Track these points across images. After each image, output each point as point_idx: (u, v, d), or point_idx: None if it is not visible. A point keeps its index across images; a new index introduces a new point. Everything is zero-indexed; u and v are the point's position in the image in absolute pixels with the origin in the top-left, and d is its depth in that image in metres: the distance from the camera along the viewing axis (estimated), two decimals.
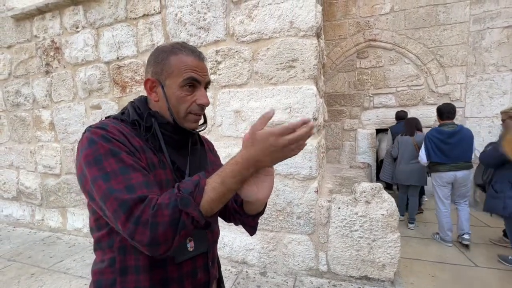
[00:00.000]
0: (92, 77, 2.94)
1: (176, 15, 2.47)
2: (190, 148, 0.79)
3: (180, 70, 0.68)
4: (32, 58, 3.27)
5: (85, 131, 0.64)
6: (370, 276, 2.19)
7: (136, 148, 0.64)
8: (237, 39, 2.30)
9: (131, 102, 0.77)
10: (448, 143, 2.85)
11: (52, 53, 3.14)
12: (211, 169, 0.83)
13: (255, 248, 2.44)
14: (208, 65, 2.41)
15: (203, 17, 2.37)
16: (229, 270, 2.45)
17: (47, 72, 3.21)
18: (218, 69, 2.40)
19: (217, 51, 2.37)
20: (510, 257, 2.56)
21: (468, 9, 3.98)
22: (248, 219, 0.84)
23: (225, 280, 2.32)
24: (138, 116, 0.71)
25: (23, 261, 2.74)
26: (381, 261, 2.15)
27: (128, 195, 0.54)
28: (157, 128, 0.71)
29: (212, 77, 2.42)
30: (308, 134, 0.55)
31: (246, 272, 2.43)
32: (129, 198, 0.54)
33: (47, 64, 3.18)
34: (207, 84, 0.75)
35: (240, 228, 2.48)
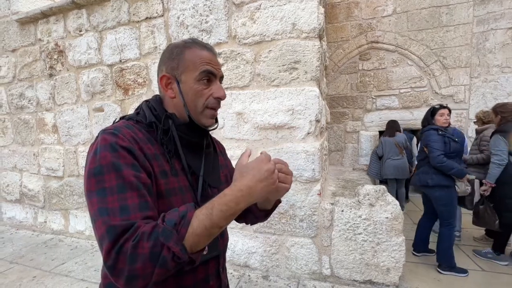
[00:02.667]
0: (95, 80, 2.96)
1: (178, 18, 2.47)
2: (205, 150, 0.78)
3: (196, 63, 0.68)
4: (36, 61, 3.29)
5: (98, 134, 0.62)
6: (374, 281, 2.16)
7: (147, 157, 0.62)
8: (239, 41, 2.30)
9: (146, 101, 0.75)
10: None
11: (55, 56, 3.16)
12: (222, 173, 0.85)
13: (257, 251, 2.41)
14: None
15: (205, 19, 2.38)
16: (231, 273, 2.43)
17: (50, 75, 3.23)
18: None
19: (219, 53, 2.37)
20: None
21: (471, 10, 3.96)
22: (261, 214, 0.85)
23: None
24: (155, 118, 0.70)
25: (25, 264, 2.74)
26: (385, 265, 2.11)
27: (117, 219, 0.51)
28: (175, 131, 0.69)
29: None
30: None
31: (249, 275, 2.40)
32: (118, 224, 0.51)
33: (51, 67, 3.21)
34: (221, 78, 0.74)
35: (243, 231, 2.47)
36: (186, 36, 2.47)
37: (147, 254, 0.49)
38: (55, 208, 3.49)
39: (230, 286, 2.32)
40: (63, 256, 2.87)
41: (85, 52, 2.97)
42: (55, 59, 3.17)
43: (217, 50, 2.37)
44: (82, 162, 3.17)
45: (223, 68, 2.38)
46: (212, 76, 0.70)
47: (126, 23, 2.74)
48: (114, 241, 0.50)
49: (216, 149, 0.86)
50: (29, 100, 3.43)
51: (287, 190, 0.64)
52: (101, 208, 0.53)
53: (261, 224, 2.37)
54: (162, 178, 0.64)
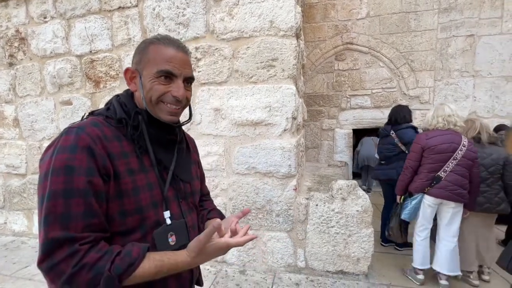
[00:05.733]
0: (62, 71, 2.77)
1: (154, 9, 2.39)
2: (177, 146, 0.79)
3: (156, 60, 0.67)
4: None
5: (62, 131, 0.62)
6: (346, 270, 2.27)
7: (111, 156, 0.62)
8: (217, 36, 2.28)
9: (117, 96, 0.74)
10: None
11: (16, 44, 2.91)
12: (193, 169, 0.87)
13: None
14: None
15: (182, 12, 2.32)
16: (208, 269, 2.43)
17: (10, 64, 2.97)
18: (198, 66, 2.36)
19: (196, 48, 2.34)
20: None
21: (436, 18, 4.25)
22: (202, 229, 0.92)
23: (203, 279, 2.30)
24: (125, 114, 0.69)
25: None
26: (356, 256, 2.23)
27: (56, 230, 0.53)
28: (145, 128, 0.69)
29: None
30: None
31: (226, 271, 2.42)
32: (54, 238, 0.53)
33: (11, 56, 2.95)
34: (188, 79, 0.72)
35: None
36: (162, 29, 2.40)
37: (84, 285, 0.53)
38: (16, 208, 3.23)
39: (206, 282, 2.33)
40: (26, 259, 2.69)
41: (51, 40, 2.77)
42: (15, 46, 2.92)
43: (195, 44, 2.34)
44: None
45: (200, 63, 2.35)
46: (172, 75, 0.68)
47: (97, 12, 2.60)
48: (47, 255, 0.53)
49: (189, 146, 0.87)
50: None
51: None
52: (46, 216, 0.54)
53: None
54: (129, 176, 0.64)
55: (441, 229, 2.22)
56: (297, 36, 2.25)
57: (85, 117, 0.70)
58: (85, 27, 2.64)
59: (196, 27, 2.33)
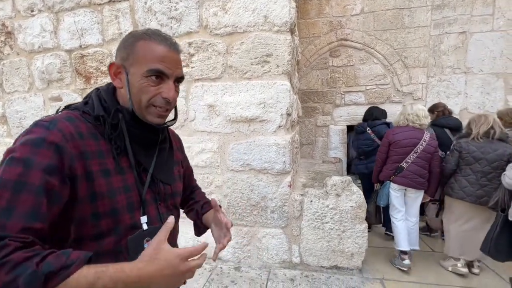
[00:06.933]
0: (51, 66, 2.70)
1: (145, 3, 2.34)
2: (158, 146, 0.74)
3: (146, 58, 0.63)
4: None
5: (32, 123, 0.57)
6: (340, 266, 2.30)
7: (83, 156, 0.57)
8: (211, 31, 2.25)
9: (96, 90, 0.70)
10: None
11: (3, 38, 2.82)
12: (176, 169, 0.83)
13: (230, 243, 2.43)
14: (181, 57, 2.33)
15: (175, 6, 2.28)
16: (203, 266, 2.42)
17: None
18: (191, 62, 2.32)
19: (190, 43, 2.30)
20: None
21: (429, 14, 4.27)
22: (201, 225, 0.93)
23: (198, 277, 2.29)
24: (103, 111, 0.64)
25: None
26: (350, 251, 2.26)
27: None
28: (124, 128, 0.65)
29: (184, 69, 2.33)
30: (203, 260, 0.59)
31: (221, 268, 2.41)
32: None
33: None
34: (179, 79, 0.69)
35: None
36: (154, 23, 2.35)
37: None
38: None
39: (201, 279, 2.32)
40: None
41: (39, 35, 2.69)
42: (1, 41, 2.83)
43: (188, 39, 2.30)
44: None
45: (193, 59, 2.31)
46: (163, 75, 0.65)
47: (86, 5, 2.52)
48: None
49: (172, 145, 0.83)
50: None
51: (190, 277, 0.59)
52: None
53: (233, 216, 2.39)
54: (104, 177, 0.60)
55: (406, 211, 2.57)
56: (292, 32, 2.23)
57: (60, 110, 0.65)
58: (75, 21, 2.57)
59: (189, 21, 2.28)
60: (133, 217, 0.64)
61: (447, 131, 2.93)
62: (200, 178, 2.41)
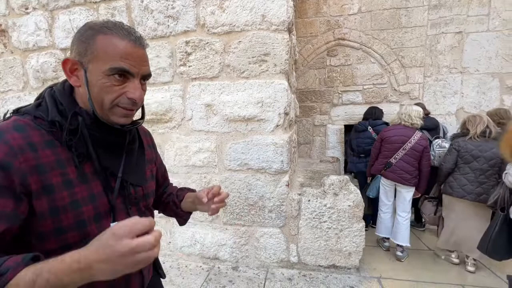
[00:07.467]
0: (46, 65, 2.66)
1: (142, 1, 2.32)
2: (126, 147, 0.68)
3: (108, 55, 0.56)
4: None
5: None
6: (338, 265, 2.30)
7: (38, 169, 0.51)
8: (208, 30, 2.23)
9: (50, 89, 0.62)
10: None
11: None
12: (148, 169, 0.79)
13: (227, 243, 2.42)
14: (178, 56, 2.31)
15: (172, 5, 2.26)
16: (200, 266, 2.41)
17: None
18: (188, 61, 2.31)
19: (187, 42, 2.28)
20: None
21: (426, 14, 4.29)
22: (182, 213, 0.90)
23: (196, 277, 2.28)
24: (59, 115, 0.57)
25: None
26: (347, 250, 2.26)
27: None
28: (86, 132, 0.59)
29: (182, 68, 2.32)
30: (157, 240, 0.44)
31: (218, 267, 2.41)
32: None
33: None
34: (146, 77, 0.63)
35: (212, 224, 2.45)
36: (150, 22, 2.33)
37: None
38: None
39: (199, 279, 2.31)
40: None
41: (33, 33, 2.65)
42: None
43: (185, 38, 2.28)
44: None
45: (191, 57, 2.30)
46: (128, 74, 0.58)
47: (82, 3, 2.50)
48: None
49: (143, 144, 0.78)
50: None
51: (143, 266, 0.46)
52: None
53: (231, 216, 2.38)
54: (66, 189, 0.55)
55: (396, 206, 2.68)
56: (289, 31, 2.22)
57: (7, 116, 0.57)
58: (70, 19, 2.54)
59: (186, 20, 2.27)
60: (99, 227, 0.59)
61: (425, 132, 2.99)
62: (198, 177, 2.40)
